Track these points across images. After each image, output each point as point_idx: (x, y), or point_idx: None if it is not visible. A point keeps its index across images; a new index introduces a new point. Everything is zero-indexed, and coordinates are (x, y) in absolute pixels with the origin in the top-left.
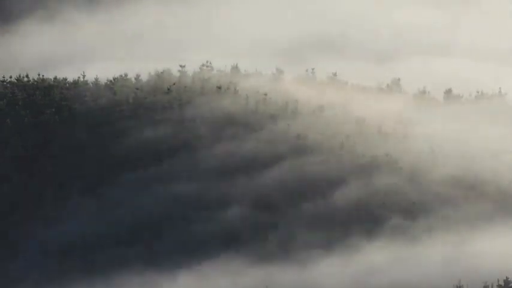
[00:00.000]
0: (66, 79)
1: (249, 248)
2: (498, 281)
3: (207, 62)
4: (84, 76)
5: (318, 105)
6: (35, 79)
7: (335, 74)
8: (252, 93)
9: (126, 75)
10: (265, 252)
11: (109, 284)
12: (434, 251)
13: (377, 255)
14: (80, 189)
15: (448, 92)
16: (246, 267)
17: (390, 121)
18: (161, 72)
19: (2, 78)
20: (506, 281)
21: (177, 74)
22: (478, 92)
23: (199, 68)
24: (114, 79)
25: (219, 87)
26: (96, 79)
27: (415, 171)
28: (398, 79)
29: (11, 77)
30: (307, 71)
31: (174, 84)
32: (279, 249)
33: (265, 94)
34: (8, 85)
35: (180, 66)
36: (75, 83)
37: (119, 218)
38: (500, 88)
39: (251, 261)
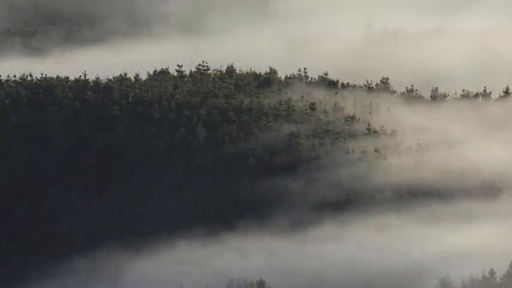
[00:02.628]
0: (68, 78)
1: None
2: (483, 271)
3: (203, 62)
4: (85, 75)
5: (310, 103)
6: (38, 78)
7: (326, 74)
8: (247, 92)
9: (125, 74)
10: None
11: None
12: (421, 243)
13: (365, 247)
14: (81, 185)
15: (435, 90)
16: None
17: (379, 119)
18: (159, 72)
19: (6, 78)
20: (491, 272)
21: (175, 74)
22: (463, 90)
23: (196, 68)
24: (114, 78)
25: (214, 86)
26: (97, 78)
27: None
28: (387, 78)
29: (15, 76)
30: (299, 70)
31: (167, 88)
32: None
33: (259, 93)
34: (12, 84)
35: (178, 65)
36: (77, 81)
37: (120, 213)
38: (485, 87)
39: None
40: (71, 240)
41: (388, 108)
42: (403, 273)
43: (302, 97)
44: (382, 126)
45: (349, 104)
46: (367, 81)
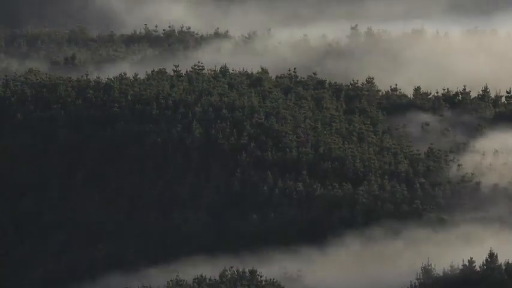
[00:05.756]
0: (70, 77)
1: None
2: (463, 261)
3: (198, 62)
4: (87, 75)
5: (299, 101)
6: (43, 77)
7: (315, 73)
8: (239, 91)
9: (125, 74)
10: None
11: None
12: (406, 236)
13: (353, 237)
14: (83, 178)
15: (417, 89)
16: None
17: (364, 116)
18: (157, 72)
19: (12, 77)
20: (471, 261)
21: (171, 73)
22: (444, 89)
23: (192, 68)
24: (114, 78)
25: (209, 85)
26: (98, 77)
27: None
28: (372, 78)
29: (20, 76)
30: (289, 70)
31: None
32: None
33: (251, 91)
34: (18, 83)
35: (175, 66)
36: (79, 81)
37: (118, 207)
38: (465, 86)
39: None
40: (72, 232)
41: (373, 105)
42: (388, 262)
43: (292, 96)
44: (366, 124)
45: (336, 102)
46: (353, 80)
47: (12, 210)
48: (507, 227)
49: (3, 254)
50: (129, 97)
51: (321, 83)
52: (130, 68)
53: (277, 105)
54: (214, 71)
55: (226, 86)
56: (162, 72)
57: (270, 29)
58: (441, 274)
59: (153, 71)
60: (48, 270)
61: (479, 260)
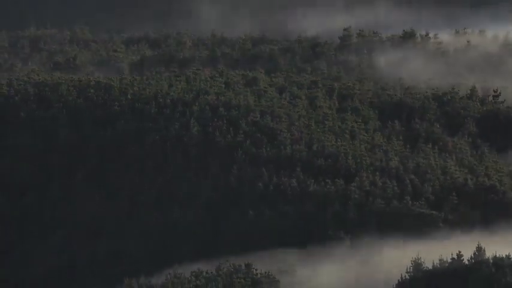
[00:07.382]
0: (72, 77)
1: None
2: (452, 254)
3: (196, 62)
4: (88, 75)
5: (293, 100)
6: (45, 77)
7: (308, 73)
8: (235, 90)
9: (124, 74)
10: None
11: None
12: (396, 231)
13: (345, 232)
14: (83, 176)
15: (408, 89)
16: None
17: (355, 115)
18: (155, 72)
19: (16, 76)
20: (459, 255)
21: (170, 73)
22: (433, 89)
23: (190, 68)
24: (114, 78)
25: (206, 85)
26: (98, 77)
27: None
28: (364, 77)
29: (23, 76)
30: (284, 70)
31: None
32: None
33: (247, 91)
34: (21, 82)
35: (173, 66)
36: (80, 81)
37: (118, 205)
38: (454, 86)
39: None
40: (72, 231)
41: (365, 104)
42: (380, 256)
43: (286, 95)
44: (358, 122)
45: (329, 101)
46: (345, 80)
47: (12, 210)
48: (494, 222)
49: (4, 252)
50: (128, 96)
51: (315, 82)
52: (130, 68)
53: (272, 104)
54: (211, 71)
55: (223, 86)
56: (160, 72)
57: (265, 32)
58: (430, 268)
59: (152, 72)
60: (49, 268)
61: (467, 253)
